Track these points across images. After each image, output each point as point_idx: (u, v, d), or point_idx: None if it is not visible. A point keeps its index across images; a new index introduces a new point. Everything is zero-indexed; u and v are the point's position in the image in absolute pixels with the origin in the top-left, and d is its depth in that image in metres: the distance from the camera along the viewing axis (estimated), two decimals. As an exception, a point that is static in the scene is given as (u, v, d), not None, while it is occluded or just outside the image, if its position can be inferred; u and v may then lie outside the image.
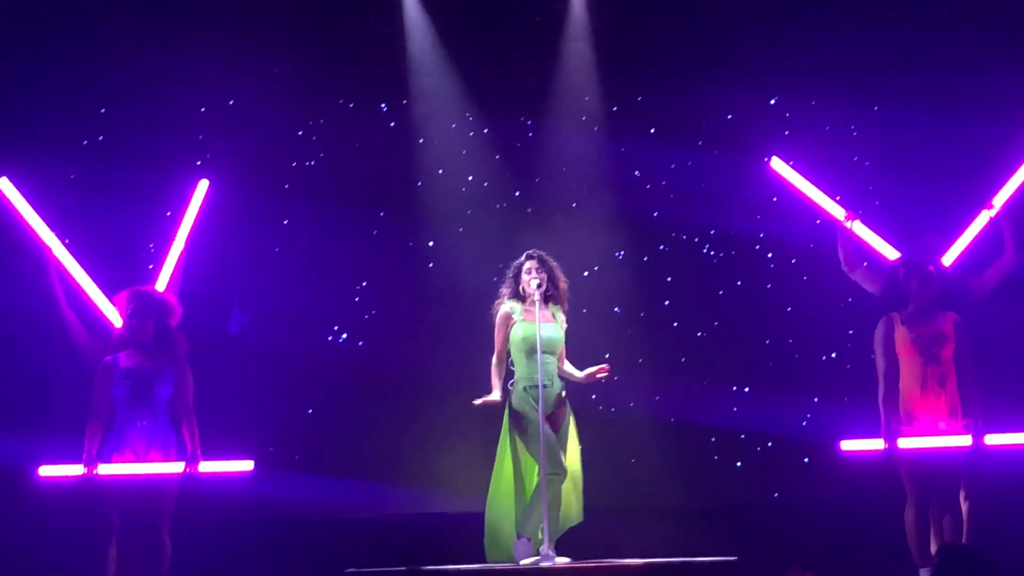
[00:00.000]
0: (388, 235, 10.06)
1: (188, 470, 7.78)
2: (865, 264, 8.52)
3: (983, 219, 8.44)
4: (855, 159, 9.82)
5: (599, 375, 8.09)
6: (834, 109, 9.80)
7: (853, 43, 9.72)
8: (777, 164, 8.91)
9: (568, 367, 8.20)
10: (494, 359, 8.09)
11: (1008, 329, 8.94)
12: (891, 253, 8.56)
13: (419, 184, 10.19)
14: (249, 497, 8.65)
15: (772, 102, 10.12)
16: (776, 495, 9.84)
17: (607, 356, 8.42)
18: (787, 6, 9.78)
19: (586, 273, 9.90)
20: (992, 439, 7.77)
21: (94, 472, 7.65)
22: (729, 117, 9.97)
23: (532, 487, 8.06)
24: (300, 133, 10.01)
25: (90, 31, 9.59)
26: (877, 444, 7.91)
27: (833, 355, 9.70)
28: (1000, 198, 8.44)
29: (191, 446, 7.80)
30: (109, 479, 7.66)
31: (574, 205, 10.20)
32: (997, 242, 8.37)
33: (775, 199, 9.66)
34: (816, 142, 9.66)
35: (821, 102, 9.88)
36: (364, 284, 9.97)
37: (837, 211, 8.60)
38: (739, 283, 10.05)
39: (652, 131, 10.15)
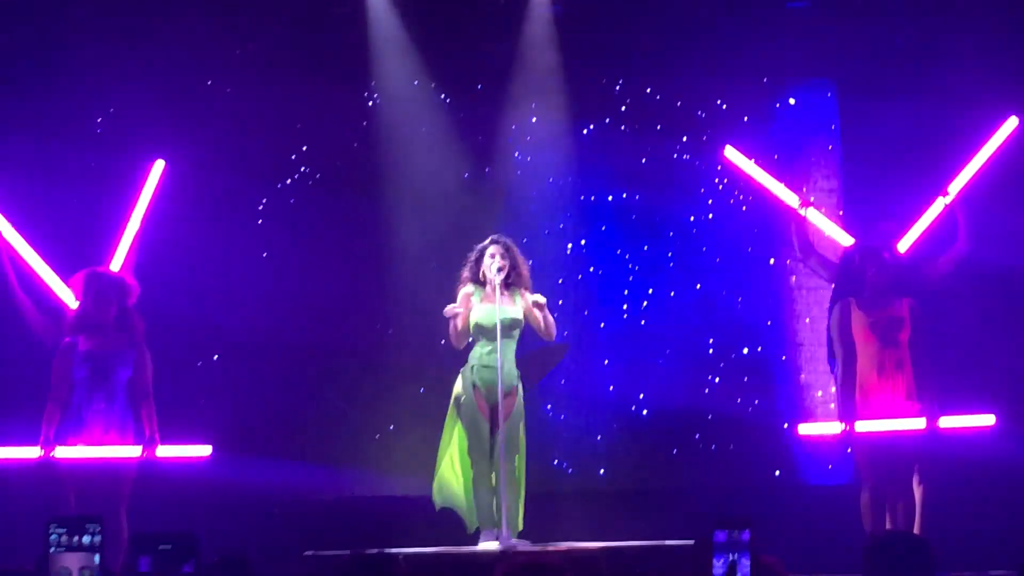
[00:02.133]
0: (348, 217, 10.08)
1: (146, 454, 7.79)
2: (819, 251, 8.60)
3: (938, 206, 8.47)
4: (811, 147, 9.78)
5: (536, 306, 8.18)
6: (790, 97, 9.94)
7: (811, 33, 9.73)
8: (731, 153, 8.88)
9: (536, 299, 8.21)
10: (452, 337, 8.26)
11: (962, 314, 9.04)
12: (846, 240, 8.55)
13: (382, 167, 10.13)
14: (207, 481, 8.71)
15: (721, 104, 10.12)
16: (733, 478, 9.87)
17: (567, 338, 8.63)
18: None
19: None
20: (946, 422, 7.81)
21: (51, 455, 7.69)
22: (679, 104, 10.05)
23: (468, 461, 8.27)
24: (261, 116, 10.00)
25: (45, 8, 9.57)
26: (835, 428, 7.99)
27: (800, 342, 9.77)
28: (955, 186, 8.47)
29: (149, 430, 7.81)
30: (66, 462, 7.70)
31: (535, 190, 10.19)
32: (951, 229, 8.38)
33: (724, 183, 9.84)
34: (770, 130, 9.82)
35: (779, 91, 10.00)
36: (322, 266, 9.83)
37: (791, 198, 8.56)
38: (698, 284, 10.02)
39: (608, 120, 10.22)
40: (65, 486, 7.76)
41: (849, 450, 8.33)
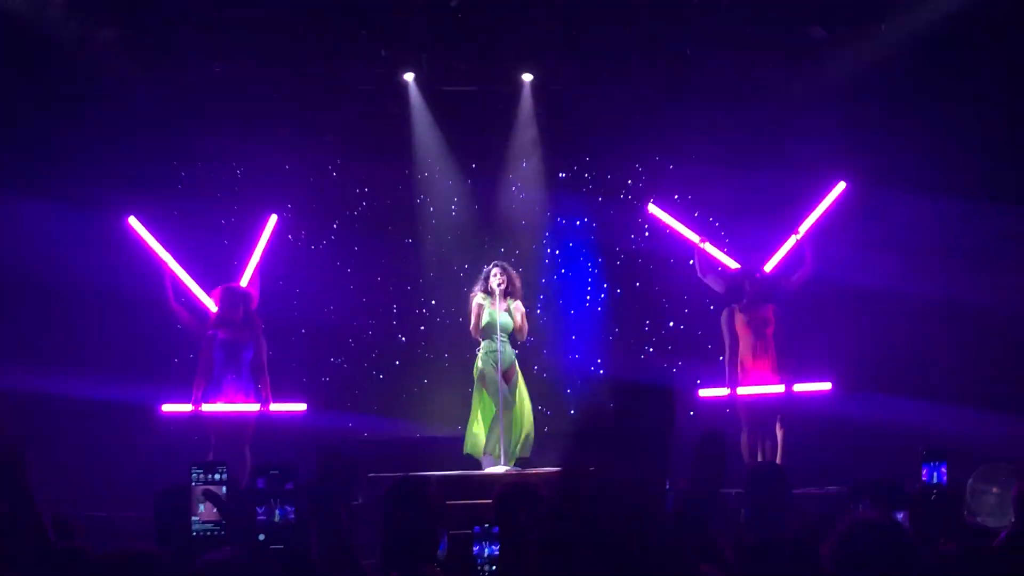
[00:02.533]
0: (393, 244, 10.66)
1: (263, 409, 8.50)
2: (718, 270, 9.27)
3: (791, 241, 9.32)
4: (706, 205, 10.32)
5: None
6: (696, 169, 10.39)
7: (715, 124, 10.22)
8: (653, 208, 9.59)
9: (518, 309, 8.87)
10: (472, 331, 8.96)
11: (808, 314, 9.53)
12: (732, 264, 9.34)
13: (419, 210, 10.72)
14: (303, 427, 9.04)
15: (640, 169, 10.60)
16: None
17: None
18: (660, 99, 10.25)
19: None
20: (798, 387, 8.75)
21: (199, 410, 8.40)
22: (620, 164, 10.68)
23: (490, 418, 8.84)
24: (341, 187, 10.57)
25: (185, 99, 9.88)
26: (723, 392, 8.88)
27: (699, 332, 10.29)
28: (804, 227, 9.33)
29: (265, 393, 8.44)
30: (209, 415, 8.42)
31: (525, 218, 10.73)
32: (801, 257, 9.22)
33: (647, 231, 10.28)
34: (684, 192, 10.40)
35: (688, 164, 10.51)
36: (376, 280, 10.51)
37: (694, 236, 9.34)
38: (637, 283, 10.73)
39: (575, 168, 10.79)
40: (208, 431, 8.46)
41: (733, 406, 8.97)
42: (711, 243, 9.38)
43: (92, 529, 5.74)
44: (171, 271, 9.07)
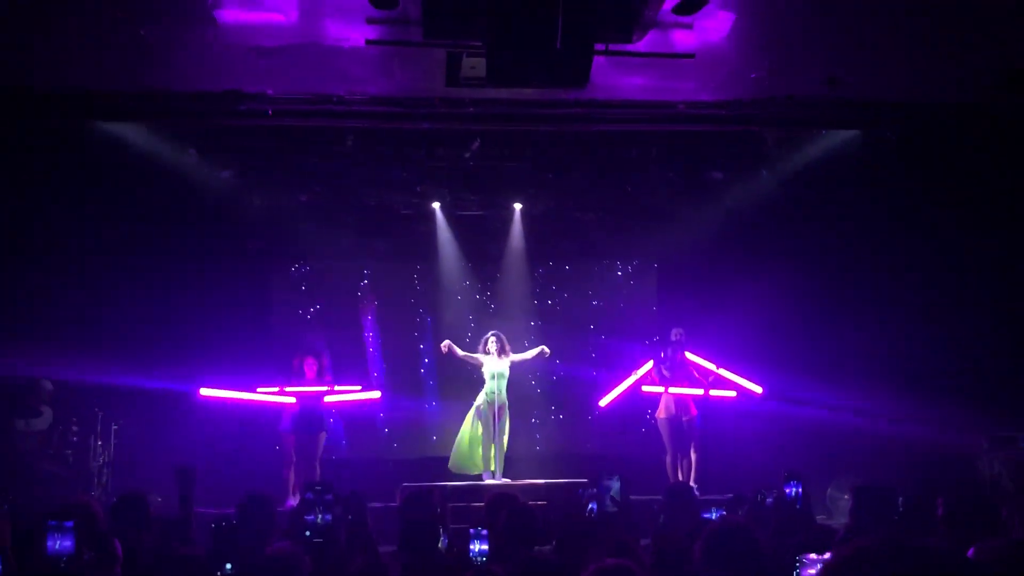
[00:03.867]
0: (413, 318, 10.61)
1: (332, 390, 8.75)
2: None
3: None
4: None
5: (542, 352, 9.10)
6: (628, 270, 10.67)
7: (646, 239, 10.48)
8: (604, 402, 9.30)
9: (521, 356, 9.06)
10: (463, 352, 9.07)
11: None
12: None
13: (440, 296, 10.65)
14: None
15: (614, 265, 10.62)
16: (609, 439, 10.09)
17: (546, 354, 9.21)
18: (606, 219, 10.34)
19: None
20: (716, 393, 8.78)
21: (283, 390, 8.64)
22: (586, 259, 10.68)
23: (477, 442, 8.88)
24: (389, 280, 10.50)
25: (281, 219, 10.00)
26: (659, 388, 8.81)
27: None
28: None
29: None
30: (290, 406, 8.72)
31: (513, 304, 10.62)
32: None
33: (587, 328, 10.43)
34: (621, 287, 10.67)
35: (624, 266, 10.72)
36: (406, 344, 10.46)
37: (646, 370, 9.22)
38: (591, 326, 10.64)
39: (551, 264, 10.71)
40: (288, 449, 8.76)
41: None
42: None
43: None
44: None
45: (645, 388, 8.97)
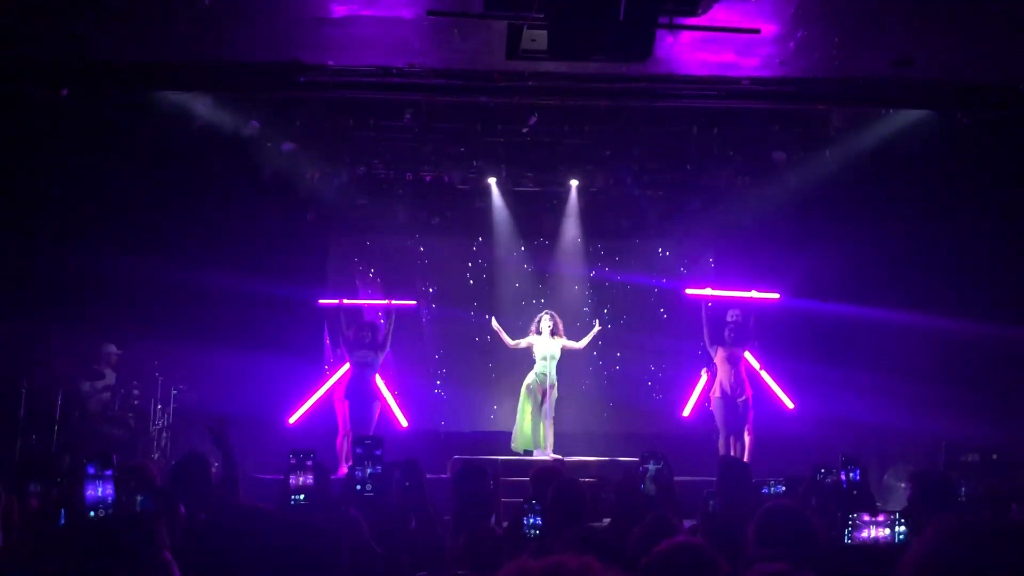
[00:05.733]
0: (475, 303, 10.54)
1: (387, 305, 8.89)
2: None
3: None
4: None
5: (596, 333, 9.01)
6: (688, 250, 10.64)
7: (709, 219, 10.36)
8: (690, 292, 9.46)
9: (574, 344, 9.00)
10: (512, 342, 9.07)
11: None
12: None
13: (498, 285, 10.64)
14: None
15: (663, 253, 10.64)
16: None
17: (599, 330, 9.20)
18: (665, 197, 10.30)
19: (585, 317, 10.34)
20: (753, 294, 8.81)
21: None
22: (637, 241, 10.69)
23: (530, 420, 8.87)
24: (442, 258, 10.59)
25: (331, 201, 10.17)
26: (707, 291, 8.89)
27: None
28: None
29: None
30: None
31: (568, 282, 10.65)
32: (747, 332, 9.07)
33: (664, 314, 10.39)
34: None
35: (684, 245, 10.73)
36: (469, 318, 10.37)
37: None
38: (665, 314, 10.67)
39: (608, 237, 10.79)
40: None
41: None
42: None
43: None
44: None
45: (690, 292, 8.83)
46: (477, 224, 10.50)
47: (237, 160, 9.11)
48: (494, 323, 8.92)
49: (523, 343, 9.05)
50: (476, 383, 10.38)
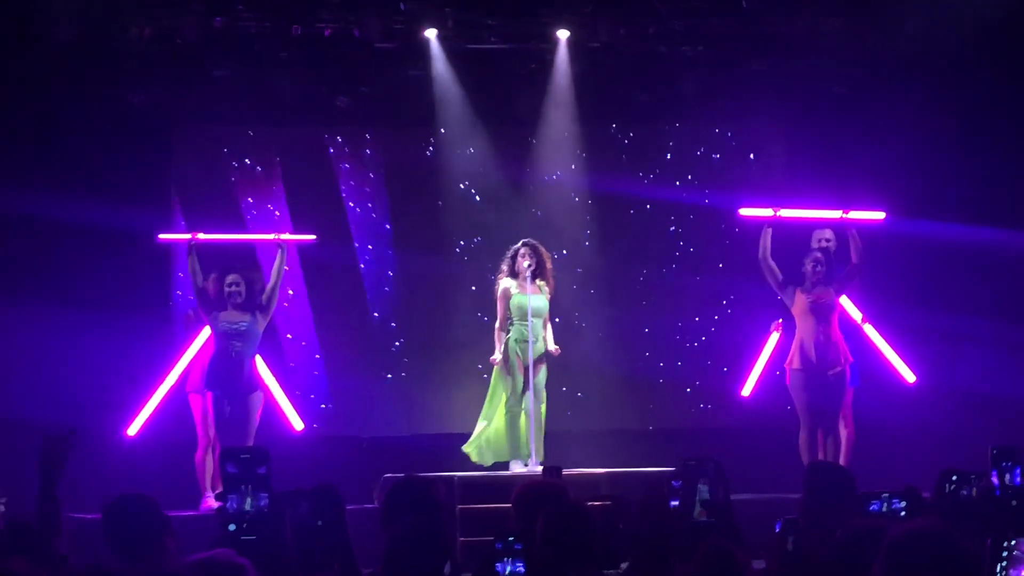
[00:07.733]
0: (421, 228, 9.11)
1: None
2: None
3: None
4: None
5: (554, 352, 7.71)
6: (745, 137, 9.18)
7: (771, 85, 8.75)
8: (745, 211, 7.99)
9: (547, 333, 7.74)
10: (497, 325, 7.72)
11: None
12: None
13: (444, 186, 9.11)
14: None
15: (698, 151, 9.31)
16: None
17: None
18: (712, 57, 8.73)
19: (564, 252, 8.99)
20: (853, 215, 7.29)
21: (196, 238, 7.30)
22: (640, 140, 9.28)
23: (503, 419, 7.60)
24: (356, 155, 9.11)
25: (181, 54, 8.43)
26: (767, 211, 7.33)
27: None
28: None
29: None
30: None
31: (556, 195, 9.17)
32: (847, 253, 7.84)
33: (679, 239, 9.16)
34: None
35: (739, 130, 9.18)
36: (398, 254, 8.91)
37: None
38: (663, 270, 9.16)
39: (610, 129, 9.13)
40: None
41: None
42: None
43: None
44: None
45: (745, 212, 7.69)
46: (408, 105, 9.05)
47: (16, 13, 7.73)
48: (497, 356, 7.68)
49: (501, 304, 7.67)
50: (419, 362, 9.10)
